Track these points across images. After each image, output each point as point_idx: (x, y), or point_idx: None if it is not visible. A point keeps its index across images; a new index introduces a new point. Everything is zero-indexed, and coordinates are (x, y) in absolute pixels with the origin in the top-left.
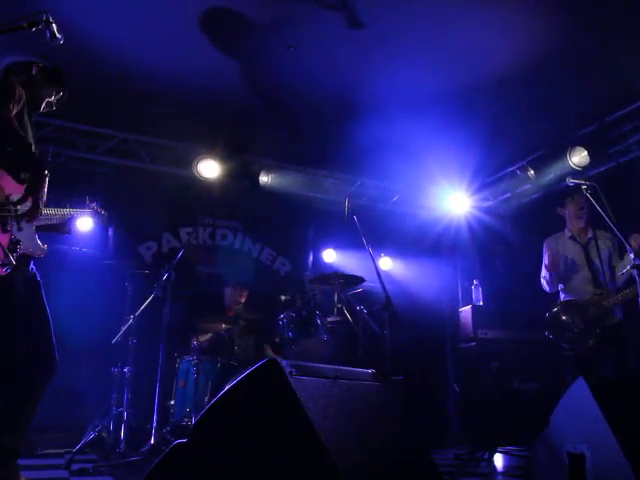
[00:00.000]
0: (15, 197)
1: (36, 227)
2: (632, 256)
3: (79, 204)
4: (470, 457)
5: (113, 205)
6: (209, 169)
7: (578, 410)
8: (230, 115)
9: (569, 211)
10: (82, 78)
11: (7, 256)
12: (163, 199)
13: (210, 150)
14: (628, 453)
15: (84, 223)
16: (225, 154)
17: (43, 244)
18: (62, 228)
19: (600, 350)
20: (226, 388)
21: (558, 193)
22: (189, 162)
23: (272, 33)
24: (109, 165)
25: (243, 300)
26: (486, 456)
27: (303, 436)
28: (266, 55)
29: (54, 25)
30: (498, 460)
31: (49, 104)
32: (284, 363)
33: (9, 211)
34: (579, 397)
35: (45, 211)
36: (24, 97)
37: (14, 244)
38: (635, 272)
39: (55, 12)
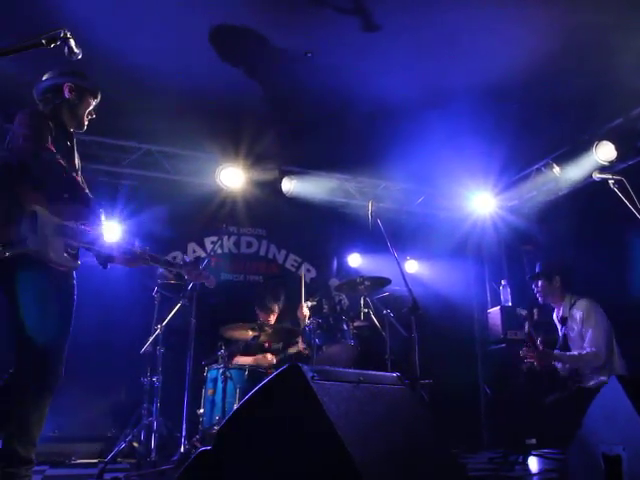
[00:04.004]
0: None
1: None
2: None
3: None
4: (504, 461)
5: (139, 216)
6: (232, 178)
7: (612, 410)
8: (251, 123)
9: None
10: (103, 92)
11: None
12: (188, 209)
13: (232, 159)
14: None
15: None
16: (247, 162)
17: (78, 260)
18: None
19: None
20: (248, 395)
21: (586, 189)
22: (212, 172)
23: (289, 40)
24: (134, 177)
25: (272, 321)
26: (520, 459)
27: (326, 441)
28: (284, 62)
29: (72, 40)
30: (533, 463)
31: (89, 114)
32: (306, 368)
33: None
34: (613, 397)
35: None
36: (52, 126)
37: (17, 239)
38: None
39: (75, 27)
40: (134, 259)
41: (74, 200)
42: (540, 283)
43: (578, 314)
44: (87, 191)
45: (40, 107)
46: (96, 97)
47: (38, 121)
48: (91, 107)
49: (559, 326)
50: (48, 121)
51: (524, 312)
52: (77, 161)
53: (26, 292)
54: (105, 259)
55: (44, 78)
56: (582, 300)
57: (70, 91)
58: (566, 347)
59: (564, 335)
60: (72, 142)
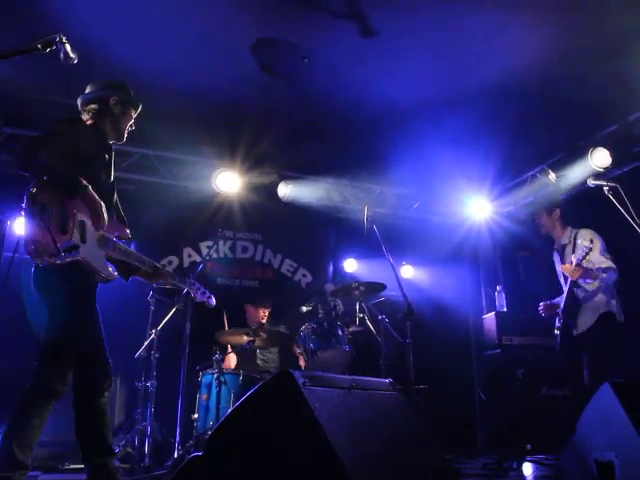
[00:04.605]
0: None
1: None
2: None
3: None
4: (499, 467)
5: (135, 221)
6: (228, 182)
7: (605, 417)
8: (248, 128)
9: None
10: None
11: (58, 250)
12: (183, 213)
13: (229, 163)
14: None
15: None
16: (244, 167)
17: (114, 271)
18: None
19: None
20: (240, 400)
21: (581, 196)
22: (208, 176)
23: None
24: (130, 181)
25: (264, 320)
26: (515, 465)
27: (317, 447)
28: (281, 67)
29: (68, 45)
30: (527, 469)
31: (130, 126)
32: (297, 374)
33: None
34: (605, 403)
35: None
36: (91, 143)
37: (71, 247)
38: None
39: (71, 28)
40: (157, 274)
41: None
42: (541, 217)
43: (582, 240)
44: (114, 203)
45: (83, 116)
46: (137, 109)
47: (61, 129)
48: (132, 120)
49: (557, 257)
50: (81, 130)
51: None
52: (112, 173)
53: (68, 298)
54: (128, 272)
55: (89, 90)
56: (585, 229)
57: (115, 104)
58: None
59: (563, 263)
60: (110, 154)
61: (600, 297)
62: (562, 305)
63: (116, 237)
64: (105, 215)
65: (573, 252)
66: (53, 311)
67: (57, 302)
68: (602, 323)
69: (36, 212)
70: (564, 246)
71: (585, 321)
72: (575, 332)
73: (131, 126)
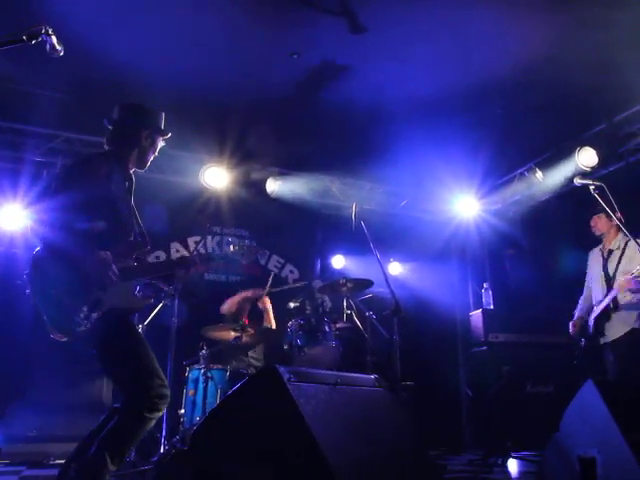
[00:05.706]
0: None
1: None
2: None
3: None
4: (484, 463)
5: None
6: (216, 178)
7: (588, 414)
8: (236, 123)
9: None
10: (88, 90)
11: (81, 320)
12: (171, 208)
13: (217, 159)
14: (639, 456)
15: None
16: (232, 162)
17: (144, 298)
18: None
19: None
20: (225, 396)
21: (568, 195)
22: (196, 171)
23: (275, 41)
24: None
25: (265, 303)
26: (500, 461)
27: (301, 442)
28: (270, 63)
29: (54, 37)
30: (512, 465)
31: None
32: (282, 370)
33: None
34: (588, 400)
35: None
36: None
37: (94, 304)
38: None
39: (58, 24)
40: (181, 267)
41: (120, 241)
42: (599, 219)
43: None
44: (137, 226)
45: (105, 141)
46: (165, 136)
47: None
48: (158, 148)
49: (599, 259)
50: (103, 164)
51: None
52: (132, 198)
53: (114, 343)
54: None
55: (119, 114)
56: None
57: (146, 138)
58: (607, 279)
59: (605, 269)
60: (131, 182)
61: (633, 311)
62: (597, 312)
63: (136, 256)
64: (116, 274)
65: (619, 261)
66: (115, 364)
67: (109, 350)
68: (631, 338)
69: (46, 280)
70: (610, 251)
71: (614, 331)
72: (603, 340)
73: (155, 155)
